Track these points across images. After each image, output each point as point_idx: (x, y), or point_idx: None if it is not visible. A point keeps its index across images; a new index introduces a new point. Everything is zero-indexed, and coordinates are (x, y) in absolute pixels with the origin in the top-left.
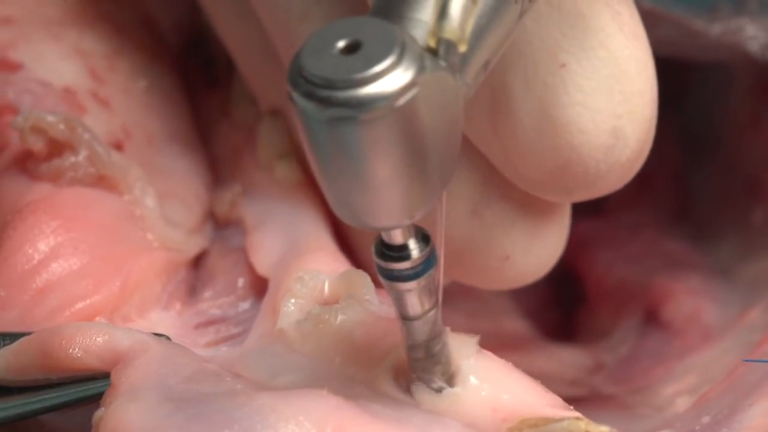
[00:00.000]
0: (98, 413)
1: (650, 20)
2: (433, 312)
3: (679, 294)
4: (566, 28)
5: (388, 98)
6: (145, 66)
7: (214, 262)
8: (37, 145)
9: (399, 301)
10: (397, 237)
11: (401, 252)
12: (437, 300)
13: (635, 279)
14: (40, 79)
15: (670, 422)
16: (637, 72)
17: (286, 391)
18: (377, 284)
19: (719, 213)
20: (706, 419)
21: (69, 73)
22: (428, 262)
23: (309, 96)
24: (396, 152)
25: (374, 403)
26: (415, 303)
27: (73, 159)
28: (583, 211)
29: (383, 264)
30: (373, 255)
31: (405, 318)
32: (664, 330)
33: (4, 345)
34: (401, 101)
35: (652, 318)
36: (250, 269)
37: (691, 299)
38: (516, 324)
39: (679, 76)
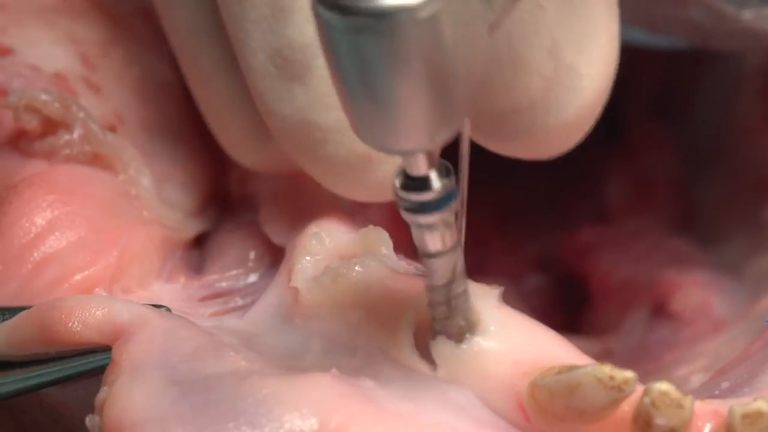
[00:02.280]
0: (101, 394)
1: (679, 2)
2: (454, 251)
3: (687, 286)
4: None
5: (411, 10)
6: (139, 54)
7: (223, 237)
8: (32, 123)
9: (420, 236)
10: (418, 166)
11: (423, 182)
12: (459, 240)
13: (640, 276)
14: (30, 63)
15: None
16: (607, 39)
17: (291, 376)
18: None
19: (725, 217)
20: (725, 384)
21: (60, 58)
22: (450, 193)
23: (332, 5)
24: (418, 69)
25: (385, 385)
26: (436, 238)
27: (67, 137)
28: (585, 218)
29: (405, 195)
30: (394, 187)
31: (426, 255)
32: (673, 321)
33: (4, 320)
34: (425, 12)
35: (660, 310)
36: (262, 242)
37: (699, 291)
38: None
39: (684, 81)
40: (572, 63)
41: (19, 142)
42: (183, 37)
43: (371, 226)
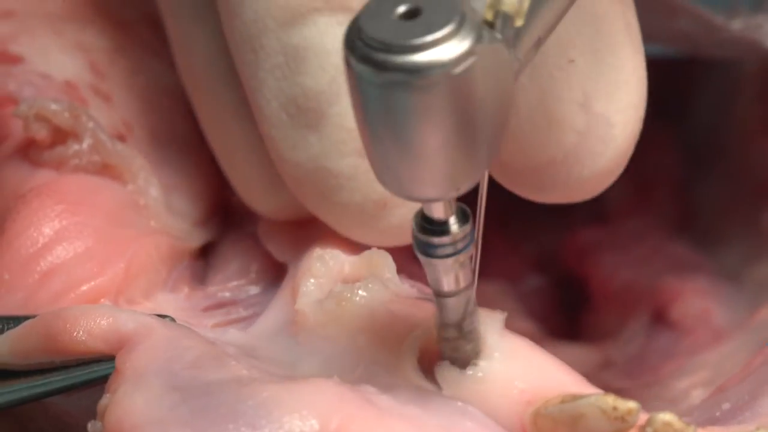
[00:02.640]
0: (103, 400)
1: (669, 12)
2: (467, 291)
3: (687, 294)
4: (581, 26)
5: (445, 66)
6: (146, 61)
7: (227, 247)
8: (41, 133)
9: (435, 277)
10: (439, 211)
11: (442, 227)
12: (473, 279)
13: (641, 281)
14: (40, 72)
15: (688, 412)
16: (636, 86)
17: (291, 381)
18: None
19: (724, 219)
20: (726, 406)
21: (70, 67)
22: (467, 239)
23: (365, 59)
24: (447, 121)
25: (388, 392)
26: (451, 280)
27: (76, 147)
28: (585, 220)
29: (423, 238)
30: (413, 229)
31: (440, 295)
32: (673, 329)
33: (9, 329)
34: (458, 69)
35: (660, 318)
36: (264, 254)
37: (699, 299)
38: (522, 325)
39: (684, 84)
40: (604, 113)
41: (29, 152)
42: (200, 82)
43: (375, 249)
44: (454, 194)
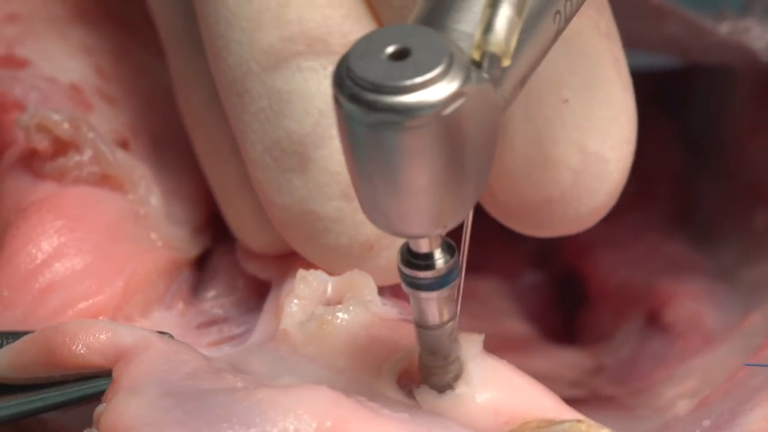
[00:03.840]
0: (99, 408)
1: (657, 17)
2: (451, 323)
3: (681, 297)
4: (573, 66)
5: (435, 106)
6: (150, 63)
7: (217, 260)
8: (42, 143)
9: (419, 309)
10: (424, 245)
11: (426, 261)
12: (456, 311)
13: (637, 282)
14: (46, 75)
15: (671, 425)
16: (627, 120)
17: (286, 386)
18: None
19: (722, 216)
20: (706, 423)
21: (75, 69)
22: (452, 273)
23: (355, 99)
24: (436, 161)
25: (375, 403)
26: (434, 313)
27: (77, 158)
28: None
29: (408, 271)
30: (397, 262)
31: (423, 327)
32: (666, 333)
33: (8, 344)
34: (447, 111)
35: (654, 321)
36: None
37: (692, 303)
38: (517, 325)
39: (682, 80)
40: (598, 150)
41: (32, 163)
42: (197, 118)
43: (356, 270)
44: (441, 231)
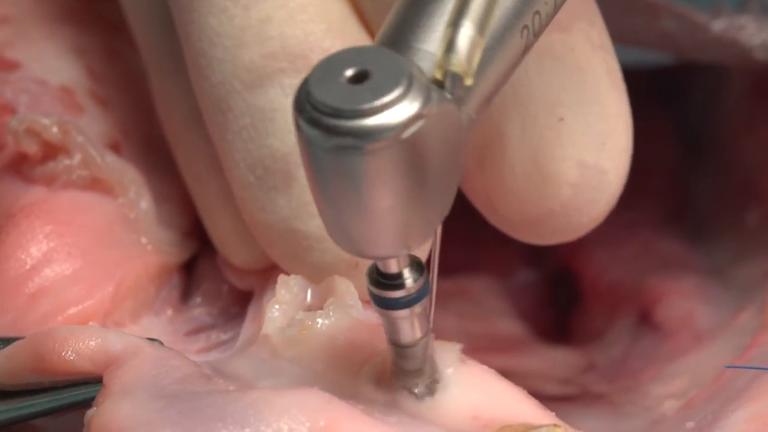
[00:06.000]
0: (90, 412)
1: (651, 13)
2: (424, 340)
3: (673, 295)
4: (567, 82)
5: (395, 129)
6: (141, 65)
7: (203, 266)
8: (32, 148)
9: (392, 328)
10: (392, 266)
11: (396, 280)
12: (428, 328)
13: (630, 279)
14: (37, 78)
15: (656, 425)
16: (624, 129)
17: (279, 388)
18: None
19: (715, 213)
20: (690, 424)
21: (67, 71)
22: (422, 290)
23: (315, 123)
24: (398, 183)
25: (359, 405)
26: (407, 331)
27: (67, 162)
28: None
29: (377, 292)
30: (367, 283)
31: (397, 345)
32: (656, 331)
33: None
34: (407, 133)
35: (645, 319)
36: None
37: (684, 301)
38: (509, 325)
39: (677, 77)
40: (597, 162)
41: (22, 167)
42: (178, 135)
43: (336, 276)
44: (406, 252)
